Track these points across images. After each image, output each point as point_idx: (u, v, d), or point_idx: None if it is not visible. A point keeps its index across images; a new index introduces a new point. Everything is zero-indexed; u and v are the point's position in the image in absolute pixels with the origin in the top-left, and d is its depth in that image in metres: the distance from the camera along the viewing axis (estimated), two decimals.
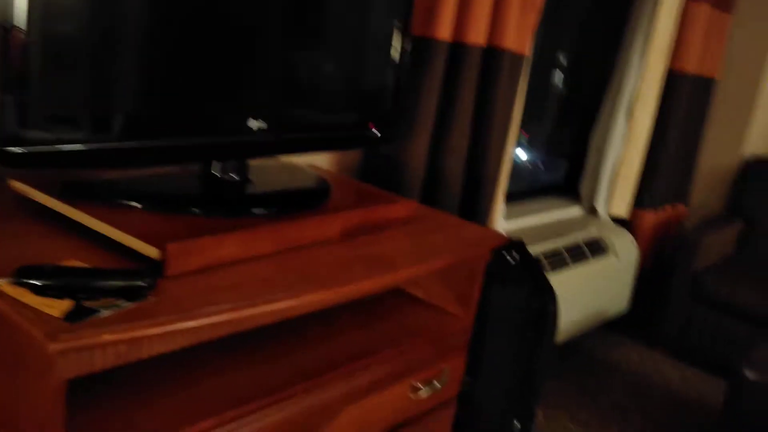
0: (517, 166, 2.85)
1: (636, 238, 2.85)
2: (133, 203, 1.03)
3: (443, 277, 1.36)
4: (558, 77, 3.00)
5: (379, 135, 1.40)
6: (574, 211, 2.84)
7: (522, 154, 2.98)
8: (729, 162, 3.14)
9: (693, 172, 3.12)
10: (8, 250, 0.89)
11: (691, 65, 2.75)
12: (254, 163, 1.31)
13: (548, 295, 1.44)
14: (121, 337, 0.75)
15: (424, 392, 1.25)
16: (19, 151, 0.87)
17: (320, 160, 1.70)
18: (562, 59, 2.97)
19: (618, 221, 2.92)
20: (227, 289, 0.89)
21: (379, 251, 1.13)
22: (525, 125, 2.81)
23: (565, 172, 3.09)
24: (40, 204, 1.02)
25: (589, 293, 2.51)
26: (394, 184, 1.75)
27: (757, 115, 3.07)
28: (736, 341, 2.60)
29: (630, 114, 2.70)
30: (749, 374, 1.93)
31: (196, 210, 1.06)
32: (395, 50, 1.36)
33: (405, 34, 1.37)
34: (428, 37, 1.67)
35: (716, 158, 3.17)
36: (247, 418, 0.94)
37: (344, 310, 1.28)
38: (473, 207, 1.94)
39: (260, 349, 1.09)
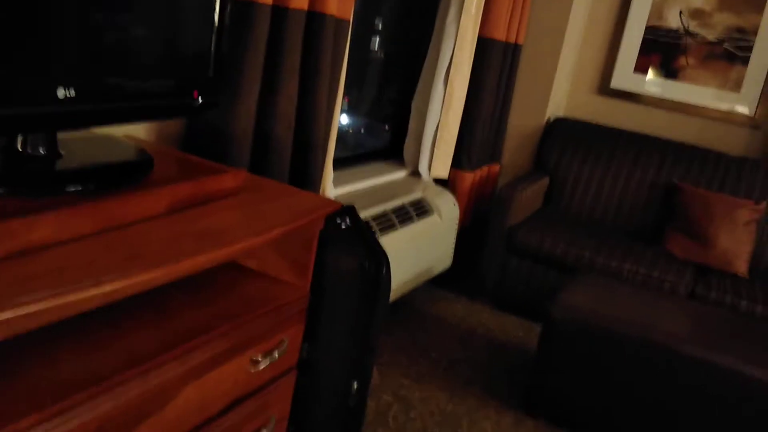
0: (339, 131, 2.88)
1: (456, 198, 3.01)
2: None
3: (277, 247, 1.35)
4: (378, 43, 3.05)
5: (200, 102, 1.34)
6: (398, 175, 2.94)
7: (343, 119, 3.02)
8: (535, 123, 3.40)
9: (504, 134, 3.35)
10: None
11: (500, 32, 2.92)
12: (65, 136, 1.20)
13: (380, 257, 1.48)
14: None
15: (263, 364, 1.24)
16: None
17: (138, 131, 1.59)
18: (382, 25, 3.03)
19: (440, 182, 3.07)
20: (45, 275, 0.81)
21: (210, 225, 1.09)
22: (346, 90, 2.83)
23: (389, 137, 3.17)
24: None
25: (416, 252, 2.62)
26: (220, 154, 1.69)
27: (559, 79, 3.35)
28: (547, 287, 2.87)
29: (447, 79, 2.82)
30: (556, 314, 2.14)
31: (1, 190, 0.95)
32: (215, 13, 1.30)
33: None
34: (249, 0, 1.62)
35: (524, 120, 3.43)
36: (74, 410, 0.87)
37: (176, 288, 1.23)
38: (303, 174, 1.94)
39: (88, 335, 1.02)
